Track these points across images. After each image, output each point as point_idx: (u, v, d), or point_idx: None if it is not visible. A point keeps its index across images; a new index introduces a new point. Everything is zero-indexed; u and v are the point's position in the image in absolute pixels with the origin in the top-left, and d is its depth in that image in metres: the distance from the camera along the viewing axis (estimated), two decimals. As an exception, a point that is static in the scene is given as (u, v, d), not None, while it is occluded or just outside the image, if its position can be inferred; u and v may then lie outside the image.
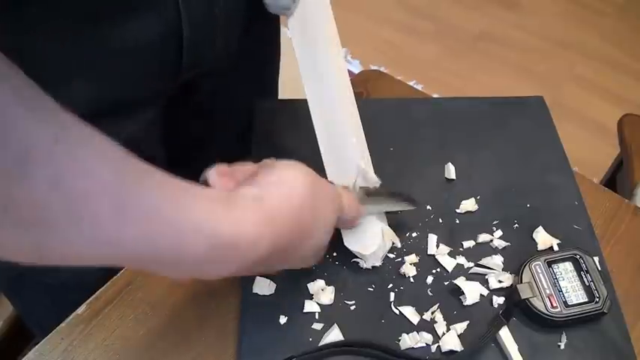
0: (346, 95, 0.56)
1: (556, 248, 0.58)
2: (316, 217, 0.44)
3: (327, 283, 0.55)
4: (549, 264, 0.54)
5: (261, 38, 0.71)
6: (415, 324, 0.53)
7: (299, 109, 0.70)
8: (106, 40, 0.49)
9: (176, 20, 0.52)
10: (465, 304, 0.54)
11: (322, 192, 0.45)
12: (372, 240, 0.55)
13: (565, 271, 0.54)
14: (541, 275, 0.54)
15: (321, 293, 0.54)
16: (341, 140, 0.55)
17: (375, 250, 0.55)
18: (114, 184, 0.29)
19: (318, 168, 0.49)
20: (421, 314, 0.54)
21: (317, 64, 0.55)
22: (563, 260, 0.55)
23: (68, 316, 0.54)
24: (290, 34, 0.55)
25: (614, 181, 1.16)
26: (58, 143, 0.27)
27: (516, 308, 0.53)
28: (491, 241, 0.59)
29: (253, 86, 0.74)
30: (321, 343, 0.51)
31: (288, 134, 0.66)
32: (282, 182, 0.41)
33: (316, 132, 0.55)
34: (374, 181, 0.54)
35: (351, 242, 0.55)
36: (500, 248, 0.58)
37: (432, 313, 0.54)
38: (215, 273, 0.37)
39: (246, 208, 0.37)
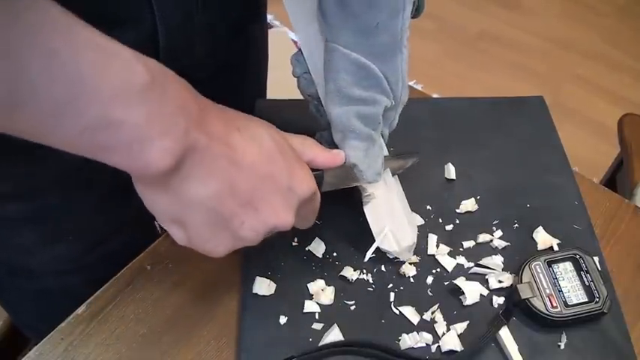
0: None
1: (556, 248, 0.58)
2: (242, 116, 0.43)
3: (327, 283, 0.55)
4: (549, 264, 0.54)
5: (248, 43, 0.70)
6: (415, 324, 0.53)
7: (299, 109, 0.70)
8: None
9: (152, 29, 0.52)
10: (465, 304, 0.54)
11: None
12: (403, 235, 0.55)
13: (565, 271, 0.54)
14: (541, 275, 0.54)
15: (321, 293, 0.54)
16: None
17: (410, 245, 0.55)
18: (65, 24, 0.32)
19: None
20: (421, 314, 0.54)
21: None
22: (563, 260, 0.55)
23: (58, 320, 0.54)
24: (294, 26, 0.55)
25: (614, 181, 1.16)
26: None
27: (516, 308, 0.53)
28: (491, 241, 0.59)
29: (239, 90, 0.73)
30: (321, 343, 0.51)
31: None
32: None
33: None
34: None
35: (385, 243, 0.55)
36: (500, 248, 0.58)
37: (432, 313, 0.54)
38: (161, 119, 0.35)
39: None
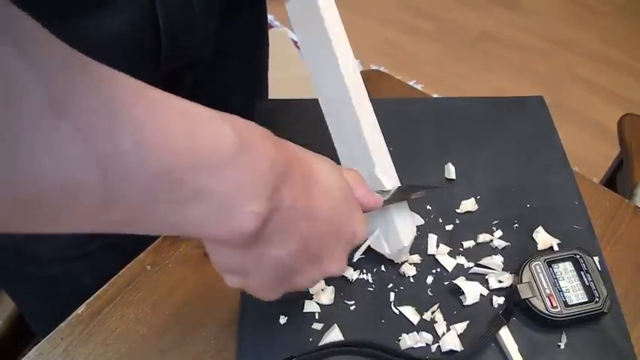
0: (361, 94, 0.55)
1: (556, 248, 0.58)
2: (310, 155, 0.41)
3: (327, 283, 0.55)
4: (549, 264, 0.54)
5: (245, 29, 0.70)
6: (415, 324, 0.53)
7: (300, 109, 0.70)
8: (81, 32, 0.48)
9: (151, 9, 0.52)
10: (465, 304, 0.54)
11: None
12: (394, 239, 0.54)
13: (565, 271, 0.54)
14: (541, 275, 0.54)
15: (321, 293, 0.54)
16: (355, 142, 0.54)
17: (400, 248, 0.54)
18: (141, 93, 0.29)
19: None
20: (421, 314, 0.54)
21: (329, 66, 0.54)
22: (563, 260, 0.55)
23: (61, 311, 0.54)
24: (297, 38, 0.55)
25: (614, 181, 1.16)
26: (84, 59, 0.27)
27: (516, 308, 0.53)
28: (491, 241, 0.59)
29: (239, 80, 0.73)
30: (321, 343, 0.51)
31: (289, 135, 0.66)
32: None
33: (331, 132, 0.55)
34: (390, 186, 0.53)
35: (376, 244, 0.55)
36: (500, 248, 0.58)
37: (432, 313, 0.54)
38: (245, 187, 0.32)
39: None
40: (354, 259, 0.54)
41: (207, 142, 0.31)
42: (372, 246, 0.54)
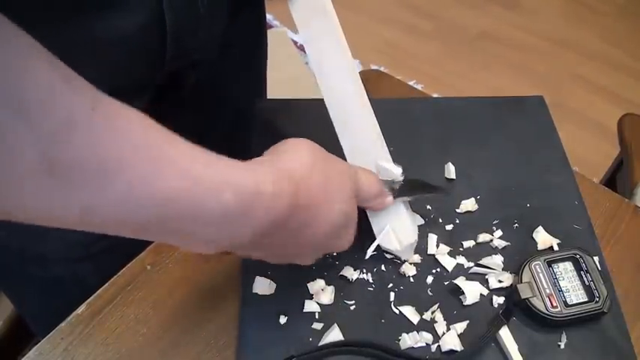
0: (361, 92, 0.55)
1: (556, 248, 0.58)
2: (328, 183, 0.43)
3: (327, 283, 0.55)
4: (549, 264, 0.54)
5: (246, 30, 0.70)
6: (415, 324, 0.53)
7: (300, 109, 0.70)
8: (88, 31, 0.49)
9: (159, 9, 0.52)
10: (465, 303, 0.54)
11: (332, 162, 0.46)
12: (405, 233, 0.55)
13: (565, 270, 0.54)
14: (541, 275, 0.54)
15: (321, 293, 0.54)
16: (360, 136, 0.55)
17: (412, 242, 0.55)
18: (145, 149, 0.31)
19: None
20: (421, 314, 0.54)
21: (329, 64, 0.54)
22: (563, 260, 0.55)
23: (65, 311, 0.54)
24: (301, 39, 0.55)
25: (614, 181, 1.16)
26: (95, 111, 0.29)
27: (516, 308, 0.53)
28: (491, 241, 0.59)
29: (239, 80, 0.73)
30: (321, 343, 0.51)
31: (288, 135, 0.66)
32: (291, 149, 0.43)
33: (336, 128, 0.55)
34: (396, 174, 0.54)
35: (386, 241, 0.55)
36: (500, 248, 0.58)
37: (432, 312, 0.54)
38: (233, 236, 0.37)
39: (262, 167, 0.39)
40: (367, 257, 0.55)
41: (201, 207, 0.33)
42: (381, 244, 0.55)
